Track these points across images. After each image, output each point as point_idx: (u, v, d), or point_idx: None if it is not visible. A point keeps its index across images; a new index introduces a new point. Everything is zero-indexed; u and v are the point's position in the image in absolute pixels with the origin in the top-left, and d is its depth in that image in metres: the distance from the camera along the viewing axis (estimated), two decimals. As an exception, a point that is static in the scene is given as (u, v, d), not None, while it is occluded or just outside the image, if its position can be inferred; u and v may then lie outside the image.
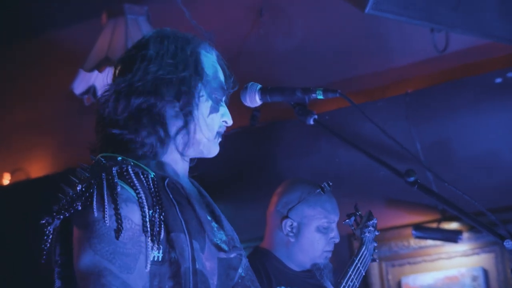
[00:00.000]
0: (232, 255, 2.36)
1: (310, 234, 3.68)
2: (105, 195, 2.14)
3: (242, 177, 5.57)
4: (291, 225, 3.67)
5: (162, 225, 2.21)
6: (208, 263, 2.27)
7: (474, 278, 5.04)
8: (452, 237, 4.99)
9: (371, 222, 3.45)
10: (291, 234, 3.67)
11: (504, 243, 2.46)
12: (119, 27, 4.29)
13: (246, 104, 2.75)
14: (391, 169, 2.60)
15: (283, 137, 5.54)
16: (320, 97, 2.66)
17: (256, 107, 5.04)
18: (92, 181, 2.17)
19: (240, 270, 2.40)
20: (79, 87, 4.29)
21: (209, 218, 2.38)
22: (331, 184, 3.66)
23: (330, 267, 3.73)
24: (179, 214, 2.28)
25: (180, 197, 2.31)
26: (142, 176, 2.24)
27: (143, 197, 2.19)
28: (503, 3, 4.10)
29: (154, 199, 2.21)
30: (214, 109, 2.48)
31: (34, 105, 6.13)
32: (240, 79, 4.87)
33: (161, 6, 4.62)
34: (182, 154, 2.42)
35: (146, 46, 2.44)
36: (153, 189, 2.23)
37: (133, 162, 2.29)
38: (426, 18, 3.98)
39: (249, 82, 2.72)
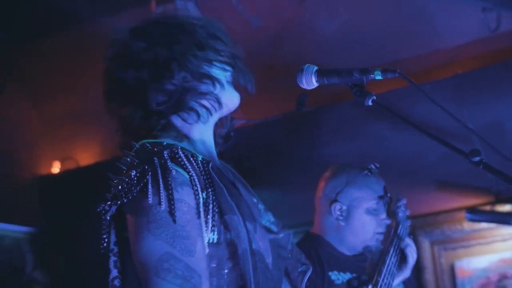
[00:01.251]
0: (281, 235, 2.40)
1: (360, 216, 3.68)
2: (160, 180, 2.13)
3: (289, 162, 5.57)
4: (341, 208, 3.68)
5: (216, 207, 2.22)
6: (262, 244, 2.29)
7: (530, 261, 5.01)
8: (507, 219, 4.92)
9: (400, 203, 3.46)
10: (341, 217, 3.68)
11: None
12: (169, 12, 4.30)
13: (302, 86, 2.73)
14: (455, 149, 2.58)
15: (330, 122, 5.51)
16: (379, 77, 2.63)
17: (303, 92, 5.07)
18: (146, 167, 2.16)
19: (289, 247, 2.43)
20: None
21: (255, 200, 2.41)
22: (378, 165, 3.66)
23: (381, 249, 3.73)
24: (229, 197, 2.29)
25: (226, 181, 2.31)
26: (192, 159, 2.25)
27: (197, 180, 2.20)
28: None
29: (206, 181, 2.23)
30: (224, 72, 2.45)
31: (83, 94, 6.18)
32: (285, 62, 4.87)
33: (211, -8, 4.61)
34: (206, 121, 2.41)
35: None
36: (203, 172, 2.23)
37: (180, 146, 2.29)
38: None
39: (305, 65, 2.72)
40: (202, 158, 2.28)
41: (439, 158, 5.13)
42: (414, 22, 5.09)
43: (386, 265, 2.93)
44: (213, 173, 2.28)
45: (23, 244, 6.06)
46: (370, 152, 5.05)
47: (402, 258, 3.16)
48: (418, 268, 5.19)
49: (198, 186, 2.20)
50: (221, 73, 2.43)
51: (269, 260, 2.32)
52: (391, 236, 3.05)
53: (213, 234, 2.20)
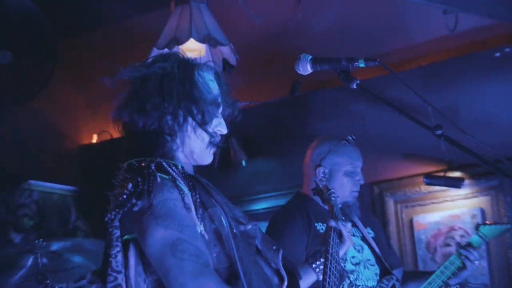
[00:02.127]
0: (249, 227, 2.34)
1: (340, 178, 3.66)
2: (154, 187, 2.13)
3: (284, 136, 5.56)
4: (324, 171, 3.64)
5: (200, 203, 2.21)
6: (236, 232, 2.27)
7: (473, 216, 4.98)
8: (456, 183, 4.91)
9: (331, 191, 3.17)
10: (324, 179, 3.61)
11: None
12: (185, 12, 4.25)
13: (298, 72, 2.72)
14: (422, 124, 2.55)
15: (318, 104, 5.55)
16: (362, 65, 2.62)
17: (297, 80, 5.02)
18: (139, 179, 2.14)
19: (259, 236, 2.40)
20: (152, 62, 4.28)
21: (225, 199, 2.36)
22: (354, 137, 3.60)
23: (357, 204, 3.74)
24: (212, 195, 2.31)
25: (201, 184, 2.30)
26: (174, 167, 2.23)
27: (182, 182, 2.19)
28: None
29: (189, 183, 2.22)
30: (204, 123, 2.38)
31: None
32: (284, 55, 4.83)
33: (218, -6, 4.57)
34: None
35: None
36: (186, 176, 2.23)
37: (163, 160, 2.25)
38: (441, 1, 3.90)
39: (301, 54, 2.68)
40: (181, 166, 2.27)
41: (404, 133, 5.12)
42: (389, 22, 5.09)
43: (331, 238, 2.83)
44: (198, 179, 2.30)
45: (68, 200, 6.05)
46: (349, 128, 5.00)
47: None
48: (384, 222, 5.18)
49: (184, 187, 2.19)
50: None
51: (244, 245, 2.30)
52: (330, 216, 2.98)
53: (201, 226, 2.18)
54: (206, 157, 2.41)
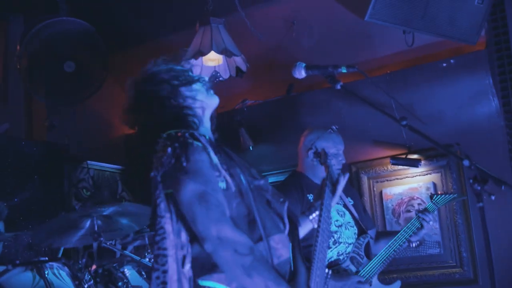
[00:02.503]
0: (262, 182, 2.35)
1: None
2: (188, 150, 2.14)
3: (282, 127, 5.54)
4: (314, 153, 3.62)
5: (224, 165, 2.20)
6: (252, 187, 2.26)
7: (427, 189, 4.96)
8: (415, 163, 4.88)
9: (330, 156, 3.31)
10: (314, 159, 3.62)
11: (464, 162, 2.40)
12: (207, 31, 4.26)
13: (295, 76, 2.71)
14: (391, 116, 2.54)
15: (307, 102, 5.51)
16: (344, 71, 2.61)
17: (291, 83, 4.99)
18: (176, 144, 2.15)
19: (270, 189, 2.39)
20: (182, 69, 4.28)
21: (243, 161, 2.37)
22: (337, 127, 3.61)
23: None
24: (231, 156, 2.31)
25: (223, 150, 2.29)
26: (203, 137, 2.23)
27: (209, 147, 2.18)
28: (451, 15, 4.03)
29: (215, 149, 2.21)
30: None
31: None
32: (281, 64, 4.79)
33: (233, 18, 4.54)
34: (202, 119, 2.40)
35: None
36: (212, 143, 2.23)
37: (194, 131, 2.26)
38: (402, 24, 3.91)
39: (297, 62, 2.67)
40: (208, 137, 2.28)
41: (374, 125, 5.11)
42: (360, 39, 5.06)
43: (326, 193, 2.81)
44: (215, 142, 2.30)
45: (116, 176, 6.04)
46: (332, 120, 4.99)
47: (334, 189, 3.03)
48: (360, 194, 5.16)
49: (211, 151, 2.18)
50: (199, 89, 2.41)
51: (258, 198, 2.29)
52: (326, 176, 2.97)
53: (223, 183, 2.18)
54: (212, 99, 2.43)
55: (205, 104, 2.40)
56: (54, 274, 3.59)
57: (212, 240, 2.05)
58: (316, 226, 2.62)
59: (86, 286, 3.70)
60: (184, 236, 2.17)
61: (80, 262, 3.90)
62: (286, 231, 2.37)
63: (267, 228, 2.23)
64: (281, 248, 2.26)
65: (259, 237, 2.20)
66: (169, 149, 2.15)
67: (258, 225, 2.19)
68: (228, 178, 2.19)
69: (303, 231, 2.65)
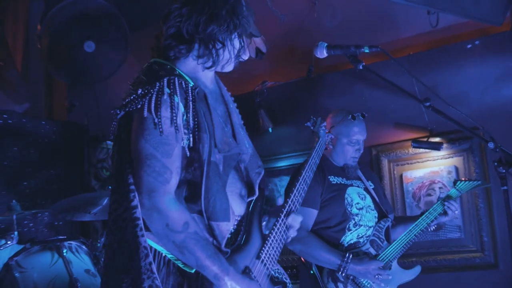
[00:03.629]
0: (239, 150, 2.26)
1: (342, 144, 3.62)
2: (154, 101, 2.02)
3: (301, 109, 5.50)
4: (331, 137, 3.56)
5: (194, 124, 2.10)
6: (218, 156, 2.16)
7: (449, 173, 4.89)
8: (436, 146, 4.83)
9: (323, 124, 3.22)
10: (330, 143, 3.60)
11: (488, 144, 2.35)
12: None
13: (317, 55, 2.68)
14: (415, 97, 2.50)
15: (327, 84, 5.47)
16: (367, 51, 2.58)
17: (311, 64, 4.94)
18: (149, 88, 2.04)
19: (247, 159, 2.31)
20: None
21: (223, 123, 2.25)
22: (365, 115, 3.50)
23: (356, 166, 3.70)
24: (204, 118, 2.14)
25: (204, 105, 2.19)
26: (183, 85, 2.10)
27: (181, 103, 2.07)
28: (476, -6, 3.96)
29: (190, 103, 2.09)
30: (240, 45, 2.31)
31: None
32: (301, 46, 4.74)
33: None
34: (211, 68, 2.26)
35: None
36: (190, 97, 2.10)
37: (178, 72, 2.16)
38: (426, 3, 3.84)
39: (319, 42, 2.63)
40: (192, 85, 2.13)
41: (396, 107, 5.06)
42: (384, 20, 5.00)
43: (309, 161, 2.80)
44: (197, 98, 2.13)
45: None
46: (352, 103, 5.02)
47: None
48: (380, 177, 5.11)
49: (179, 108, 2.06)
50: (233, 47, 2.29)
51: (220, 167, 2.19)
52: (315, 142, 2.95)
53: (188, 142, 2.08)
54: (230, 65, 2.32)
55: (223, 60, 2.28)
56: (73, 252, 3.61)
57: (144, 207, 1.98)
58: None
59: (104, 264, 3.71)
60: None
61: (98, 241, 3.92)
62: (254, 198, 2.30)
63: (215, 212, 2.13)
64: (226, 234, 2.17)
65: (199, 211, 2.12)
66: (139, 91, 2.04)
67: (201, 203, 2.10)
68: (197, 138, 2.10)
69: None
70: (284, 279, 2.40)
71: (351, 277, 3.31)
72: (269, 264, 2.28)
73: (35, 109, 5.53)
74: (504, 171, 2.37)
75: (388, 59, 4.60)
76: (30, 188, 4.84)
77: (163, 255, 2.09)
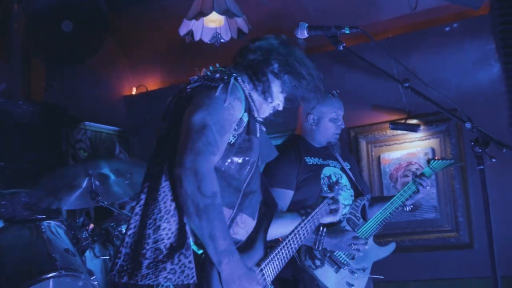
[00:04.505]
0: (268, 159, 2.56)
1: (325, 123, 3.64)
2: (230, 88, 2.18)
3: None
4: (313, 118, 3.63)
5: (246, 125, 2.25)
6: (254, 157, 2.31)
7: (426, 154, 4.96)
8: (414, 128, 4.89)
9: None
10: (313, 124, 3.63)
11: (466, 125, 2.39)
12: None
13: (298, 36, 2.69)
14: (394, 78, 2.52)
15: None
16: (347, 31, 2.59)
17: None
18: (225, 77, 2.22)
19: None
20: (183, 30, 4.19)
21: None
22: (338, 92, 3.64)
23: (338, 144, 3.72)
24: (261, 129, 2.36)
25: (253, 114, 2.34)
26: (247, 91, 2.30)
27: (245, 102, 2.24)
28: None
29: (249, 105, 2.27)
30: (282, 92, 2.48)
31: (155, 46, 6.11)
32: (283, 27, 4.74)
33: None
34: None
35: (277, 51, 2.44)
36: (249, 99, 2.29)
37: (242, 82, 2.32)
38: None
39: (299, 22, 2.64)
40: (249, 93, 2.32)
41: (375, 88, 5.09)
42: (364, 3, 5.01)
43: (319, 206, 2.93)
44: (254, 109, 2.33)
45: (113, 137, 6.04)
46: (332, 85, 4.99)
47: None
48: (358, 158, 5.18)
49: (244, 106, 2.23)
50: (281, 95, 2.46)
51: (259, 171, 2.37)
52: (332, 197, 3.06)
53: (233, 138, 2.21)
54: (266, 113, 2.47)
55: (270, 105, 2.43)
56: (52, 232, 3.61)
57: (184, 166, 2.00)
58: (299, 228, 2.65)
59: (84, 244, 3.72)
60: None
61: (77, 221, 3.92)
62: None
63: (243, 204, 2.23)
64: (242, 228, 2.26)
65: (231, 204, 2.20)
66: (217, 75, 2.24)
67: (239, 195, 2.21)
68: (241, 139, 2.22)
69: (286, 226, 2.66)
70: None
71: (328, 254, 3.35)
72: (267, 276, 2.31)
73: (13, 90, 5.49)
74: (480, 150, 2.40)
75: (368, 42, 4.65)
76: (7, 169, 4.82)
77: None
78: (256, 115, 2.35)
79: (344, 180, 3.61)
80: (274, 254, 2.36)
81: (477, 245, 4.69)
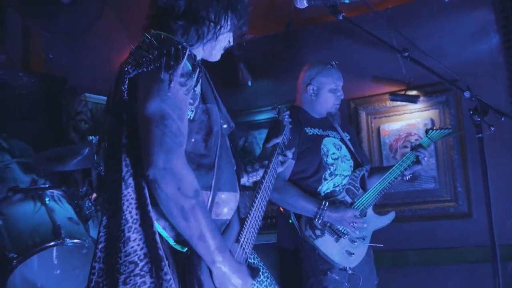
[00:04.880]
0: (225, 125, 2.23)
1: (325, 93, 3.65)
2: (173, 64, 1.96)
3: (281, 63, 5.52)
4: (313, 88, 3.64)
5: (200, 95, 2.09)
6: (224, 128, 2.20)
7: (425, 125, 4.96)
8: (413, 99, 4.91)
9: (287, 112, 3.06)
10: (313, 94, 3.65)
11: (464, 93, 2.41)
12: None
13: (297, 6, 2.67)
14: (394, 48, 2.53)
15: (306, 38, 5.48)
16: (347, 1, 2.57)
17: (289, 19, 4.93)
18: (165, 51, 1.97)
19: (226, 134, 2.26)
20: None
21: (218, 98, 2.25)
22: (337, 62, 3.65)
23: (338, 114, 3.74)
24: (213, 91, 2.16)
25: (205, 79, 2.20)
26: (193, 56, 2.09)
27: (197, 73, 2.05)
28: None
29: (199, 75, 2.07)
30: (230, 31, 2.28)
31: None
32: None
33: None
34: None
35: None
36: (197, 68, 2.07)
37: (188, 47, 2.09)
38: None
39: None
40: (199, 59, 2.15)
41: (375, 59, 5.09)
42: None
43: (276, 152, 2.69)
44: (203, 71, 2.16)
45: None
46: (331, 56, 4.99)
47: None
48: (358, 129, 5.19)
49: (194, 76, 2.04)
50: (224, 35, 2.25)
51: (226, 139, 2.23)
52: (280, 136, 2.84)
53: (192, 113, 2.06)
54: (218, 56, 2.30)
55: (212, 45, 2.23)
56: (55, 201, 3.64)
57: (157, 167, 1.85)
58: (248, 182, 2.59)
59: (87, 213, 3.75)
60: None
61: (80, 190, 3.94)
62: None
63: (220, 181, 2.10)
64: (223, 207, 2.13)
65: (207, 186, 2.06)
66: (155, 52, 1.97)
67: (213, 173, 2.07)
68: (199, 111, 2.07)
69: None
70: (258, 265, 2.37)
71: (328, 224, 3.39)
72: (247, 249, 2.21)
73: (13, 61, 5.48)
74: (479, 119, 2.42)
75: (368, 13, 4.61)
76: (7, 140, 4.84)
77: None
78: (208, 77, 2.21)
79: (344, 151, 3.64)
80: (248, 222, 2.25)
81: (475, 214, 4.73)
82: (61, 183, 4.30)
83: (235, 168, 2.29)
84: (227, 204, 2.15)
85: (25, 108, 5.12)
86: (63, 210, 3.62)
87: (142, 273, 1.90)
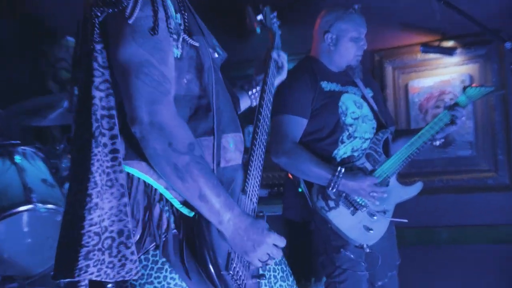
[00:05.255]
0: (216, 55, 2.19)
1: (345, 43, 3.63)
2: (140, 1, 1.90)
3: (295, 7, 5.48)
4: (331, 37, 3.62)
5: (185, 28, 2.03)
6: (216, 60, 2.17)
7: (462, 82, 4.92)
8: (449, 52, 4.86)
9: (273, 15, 3.00)
10: (331, 44, 3.63)
11: (505, 44, 2.36)
12: None
13: None
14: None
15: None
16: None
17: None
18: None
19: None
20: None
21: (205, 27, 2.21)
22: (359, 5, 3.60)
23: (360, 67, 3.73)
24: (197, 20, 2.11)
25: (189, 9, 2.14)
26: None
27: (172, 4, 2.00)
28: None
29: (180, 5, 2.04)
30: None
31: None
32: None
33: None
34: None
35: None
36: None
37: None
38: None
39: None
40: None
41: (405, 6, 5.06)
42: None
43: (270, 69, 2.65)
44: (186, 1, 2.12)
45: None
46: (353, 1, 4.96)
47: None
48: (382, 86, 5.15)
49: (173, 8, 2.00)
50: None
51: (219, 73, 2.20)
52: (270, 46, 2.79)
53: (178, 50, 2.00)
54: None
55: None
56: (27, 159, 3.62)
57: (142, 124, 1.85)
58: (253, 104, 2.60)
59: (64, 174, 3.75)
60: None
61: (57, 148, 3.91)
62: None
63: (222, 123, 2.10)
64: (233, 150, 2.14)
65: (208, 130, 2.05)
66: (131, 2, 1.90)
67: (213, 115, 2.05)
68: (187, 46, 2.03)
69: (241, 108, 2.60)
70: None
71: (343, 194, 3.38)
72: (253, 198, 2.20)
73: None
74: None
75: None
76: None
77: (155, 189, 1.99)
78: (189, 5, 2.15)
79: (365, 110, 3.62)
80: (253, 165, 2.22)
81: (518, 187, 4.73)
82: (35, 140, 4.28)
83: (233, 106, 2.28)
84: (235, 147, 2.15)
85: (-1, 54, 5.12)
86: (36, 171, 3.60)
87: (103, 248, 1.86)
